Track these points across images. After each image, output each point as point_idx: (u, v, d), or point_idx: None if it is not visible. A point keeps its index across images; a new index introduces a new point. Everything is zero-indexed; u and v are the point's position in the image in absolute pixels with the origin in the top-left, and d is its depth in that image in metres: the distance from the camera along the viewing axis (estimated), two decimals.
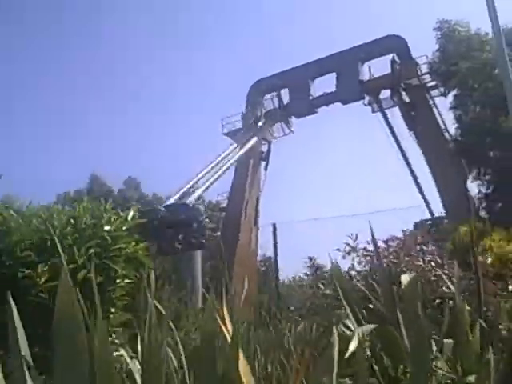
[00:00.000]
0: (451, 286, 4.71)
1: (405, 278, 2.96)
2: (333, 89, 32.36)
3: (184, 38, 70.65)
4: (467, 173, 26.62)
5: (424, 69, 29.03)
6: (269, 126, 34.10)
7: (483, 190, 25.67)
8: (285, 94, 34.43)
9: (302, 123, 34.25)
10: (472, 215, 24.45)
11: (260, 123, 33.52)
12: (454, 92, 25.97)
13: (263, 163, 34.31)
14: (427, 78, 29.18)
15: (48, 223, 3.81)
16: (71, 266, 3.44)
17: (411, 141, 29.51)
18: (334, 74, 32.27)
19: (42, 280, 3.51)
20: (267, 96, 35.04)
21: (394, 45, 30.84)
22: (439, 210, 27.55)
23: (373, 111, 31.60)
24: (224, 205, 34.31)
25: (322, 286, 7.25)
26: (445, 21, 26.71)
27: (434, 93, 29.21)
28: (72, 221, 4.02)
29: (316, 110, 33.01)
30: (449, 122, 27.89)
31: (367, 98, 31.63)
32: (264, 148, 34.48)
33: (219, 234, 31.90)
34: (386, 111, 31.28)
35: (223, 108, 74.71)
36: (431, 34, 27.19)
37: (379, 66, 30.93)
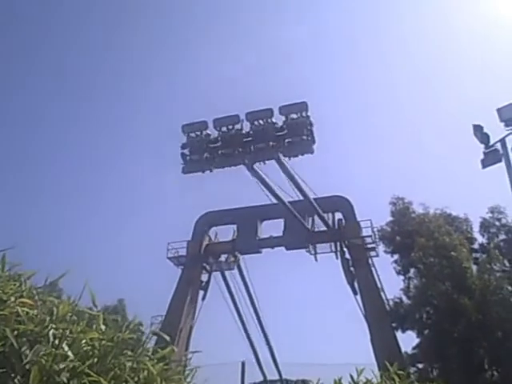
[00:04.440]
0: None
1: None
2: (278, 233, 34.66)
3: None
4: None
5: (368, 231, 32.29)
6: (211, 257, 35.14)
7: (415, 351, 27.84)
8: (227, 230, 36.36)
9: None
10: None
11: (203, 253, 34.69)
12: (400, 259, 28.92)
13: (201, 293, 34.63)
14: (368, 239, 32.33)
15: None
16: None
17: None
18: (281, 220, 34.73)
19: None
20: (213, 229, 36.57)
21: (341, 204, 34.28)
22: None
23: (315, 259, 33.82)
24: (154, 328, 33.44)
25: None
26: (400, 198, 30.56)
27: (373, 253, 32.26)
28: None
29: (261, 250, 34.70)
30: (388, 281, 30.66)
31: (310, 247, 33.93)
32: (204, 278, 35.02)
33: None
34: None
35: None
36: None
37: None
